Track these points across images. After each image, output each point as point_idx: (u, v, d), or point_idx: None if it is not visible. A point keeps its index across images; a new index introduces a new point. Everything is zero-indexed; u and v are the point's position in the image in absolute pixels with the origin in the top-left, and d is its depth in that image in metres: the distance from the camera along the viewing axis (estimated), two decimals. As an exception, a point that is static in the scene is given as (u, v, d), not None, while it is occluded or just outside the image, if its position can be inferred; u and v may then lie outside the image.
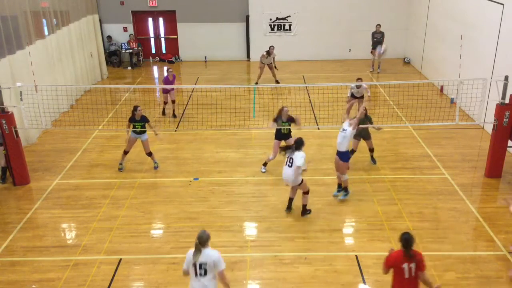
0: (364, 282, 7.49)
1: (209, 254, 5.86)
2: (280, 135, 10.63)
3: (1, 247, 8.39)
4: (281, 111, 10.48)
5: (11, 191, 10.26)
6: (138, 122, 10.56)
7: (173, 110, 14.25)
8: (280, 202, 9.64)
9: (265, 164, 10.85)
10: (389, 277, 7.49)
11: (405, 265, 5.74)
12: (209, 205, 9.57)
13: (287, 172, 8.67)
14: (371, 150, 11.02)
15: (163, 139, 12.07)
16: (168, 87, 13.43)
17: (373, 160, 11.12)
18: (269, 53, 16.80)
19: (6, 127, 9.89)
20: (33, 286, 7.47)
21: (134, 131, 10.63)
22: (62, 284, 7.48)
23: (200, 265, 5.82)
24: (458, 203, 9.52)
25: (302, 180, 8.77)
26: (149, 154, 11.00)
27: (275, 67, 17.08)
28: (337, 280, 7.47)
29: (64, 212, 9.45)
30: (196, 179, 10.63)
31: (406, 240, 5.76)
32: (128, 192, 10.08)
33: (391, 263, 5.88)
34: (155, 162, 11.12)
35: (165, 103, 14.25)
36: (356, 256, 8.01)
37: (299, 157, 8.49)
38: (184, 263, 5.97)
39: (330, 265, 7.78)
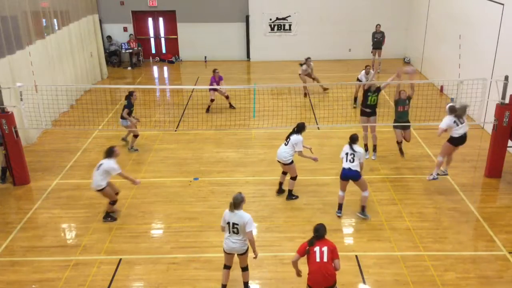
0: (364, 282, 7.49)
1: (242, 216, 6.70)
2: (366, 112, 11.01)
3: (1, 247, 8.39)
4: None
5: (11, 191, 10.26)
6: (132, 106, 11.37)
7: (229, 103, 14.67)
8: (280, 202, 9.65)
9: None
10: (389, 278, 7.55)
11: (316, 248, 6.18)
12: (209, 205, 9.56)
13: (281, 149, 9.36)
14: (407, 140, 11.10)
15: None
16: (206, 87, 14.10)
17: (401, 152, 11.17)
18: (307, 65, 15.62)
19: (6, 127, 9.89)
20: (33, 286, 7.48)
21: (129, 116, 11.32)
22: (62, 284, 7.48)
23: (233, 225, 6.70)
24: (458, 203, 9.52)
25: (292, 161, 9.34)
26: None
27: (314, 79, 15.80)
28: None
29: (64, 212, 9.45)
30: (196, 179, 10.63)
31: (316, 229, 6.28)
32: (128, 192, 10.08)
33: (303, 251, 6.31)
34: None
35: (212, 100, 14.51)
36: (356, 256, 8.01)
37: (296, 139, 9.23)
38: (221, 221, 6.87)
39: (330, 265, 7.76)
